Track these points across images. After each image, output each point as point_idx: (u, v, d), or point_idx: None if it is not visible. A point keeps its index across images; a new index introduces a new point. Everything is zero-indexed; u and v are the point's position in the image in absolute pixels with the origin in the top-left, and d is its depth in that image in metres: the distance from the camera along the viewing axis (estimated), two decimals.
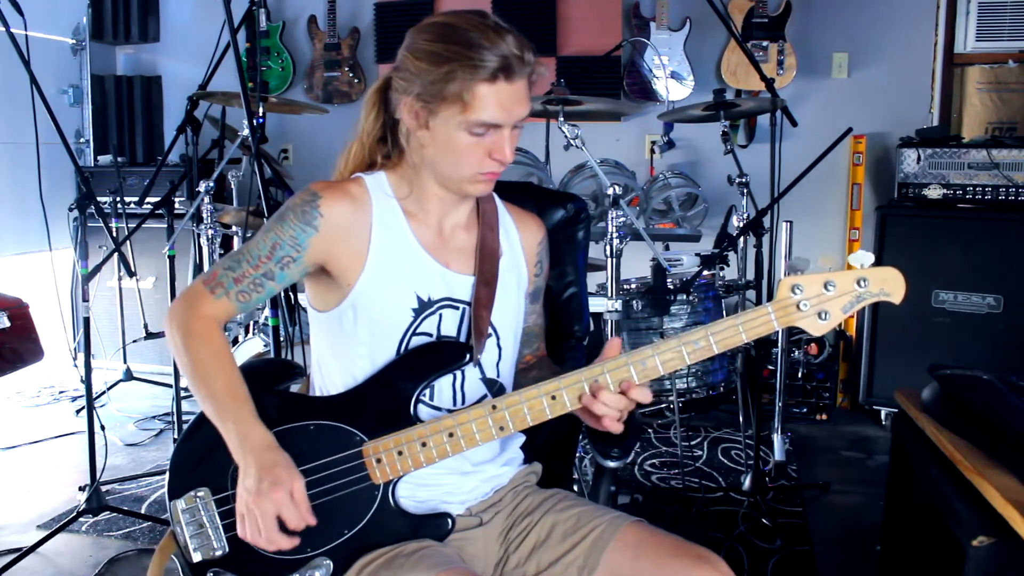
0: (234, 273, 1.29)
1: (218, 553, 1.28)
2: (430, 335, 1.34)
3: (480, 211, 1.43)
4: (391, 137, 1.37)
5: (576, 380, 1.25)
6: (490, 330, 1.37)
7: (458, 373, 1.35)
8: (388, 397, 1.30)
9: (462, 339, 1.36)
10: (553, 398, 1.25)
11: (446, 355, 1.32)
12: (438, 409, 1.34)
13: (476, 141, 1.25)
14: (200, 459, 1.31)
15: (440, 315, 1.34)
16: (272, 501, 1.18)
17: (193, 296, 1.31)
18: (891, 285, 1.23)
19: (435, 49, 1.24)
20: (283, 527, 1.20)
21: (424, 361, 1.31)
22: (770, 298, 1.25)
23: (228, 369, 1.27)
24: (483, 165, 1.28)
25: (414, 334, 1.33)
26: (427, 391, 1.33)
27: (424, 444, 1.26)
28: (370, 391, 1.31)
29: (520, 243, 1.47)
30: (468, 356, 1.31)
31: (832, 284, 1.22)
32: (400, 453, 1.27)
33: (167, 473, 1.33)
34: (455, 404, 1.36)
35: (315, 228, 1.28)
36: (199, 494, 1.29)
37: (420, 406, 1.32)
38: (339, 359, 1.35)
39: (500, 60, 1.21)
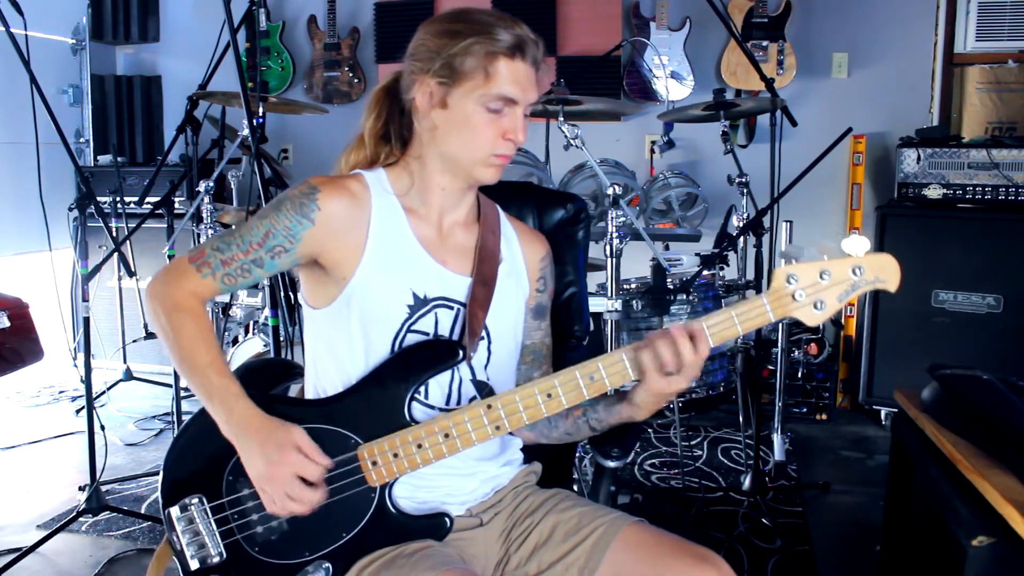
0: (223, 255, 1.28)
1: (215, 560, 1.28)
2: (426, 333, 1.33)
3: (481, 213, 1.43)
4: (394, 134, 1.37)
5: (571, 377, 1.25)
6: (483, 332, 1.37)
7: (454, 372, 1.35)
8: (382, 398, 1.29)
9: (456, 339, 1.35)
10: (549, 396, 1.25)
11: (439, 353, 1.31)
12: (432, 408, 1.34)
13: (492, 119, 1.27)
14: (193, 466, 1.31)
15: (435, 314, 1.33)
16: (287, 464, 1.19)
17: (177, 271, 1.29)
18: (886, 272, 1.21)
19: (454, 28, 1.28)
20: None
21: (417, 359, 1.31)
22: None
23: (213, 346, 1.27)
24: (496, 146, 1.29)
25: (408, 331, 1.32)
26: (421, 389, 1.32)
27: (420, 446, 1.26)
28: (363, 392, 1.30)
29: (522, 255, 1.47)
30: (461, 354, 1.31)
31: (827, 273, 1.21)
32: (396, 455, 1.26)
33: (160, 480, 1.32)
34: (449, 404, 1.35)
35: (311, 221, 1.28)
36: (193, 502, 1.29)
37: (415, 404, 1.32)
38: (335, 357, 1.34)
39: (517, 38, 1.27)
